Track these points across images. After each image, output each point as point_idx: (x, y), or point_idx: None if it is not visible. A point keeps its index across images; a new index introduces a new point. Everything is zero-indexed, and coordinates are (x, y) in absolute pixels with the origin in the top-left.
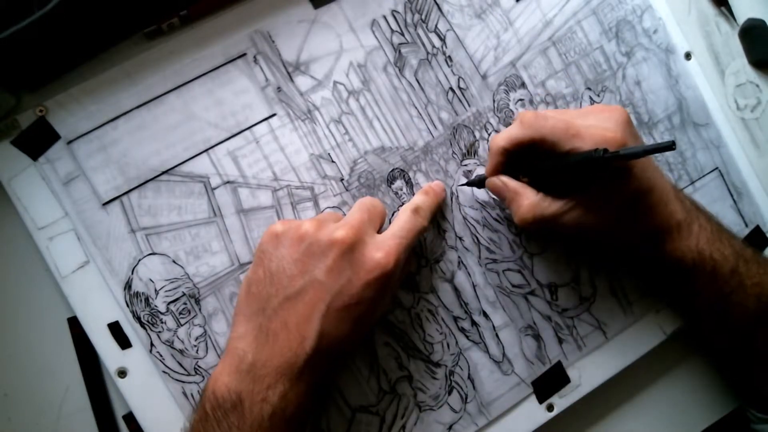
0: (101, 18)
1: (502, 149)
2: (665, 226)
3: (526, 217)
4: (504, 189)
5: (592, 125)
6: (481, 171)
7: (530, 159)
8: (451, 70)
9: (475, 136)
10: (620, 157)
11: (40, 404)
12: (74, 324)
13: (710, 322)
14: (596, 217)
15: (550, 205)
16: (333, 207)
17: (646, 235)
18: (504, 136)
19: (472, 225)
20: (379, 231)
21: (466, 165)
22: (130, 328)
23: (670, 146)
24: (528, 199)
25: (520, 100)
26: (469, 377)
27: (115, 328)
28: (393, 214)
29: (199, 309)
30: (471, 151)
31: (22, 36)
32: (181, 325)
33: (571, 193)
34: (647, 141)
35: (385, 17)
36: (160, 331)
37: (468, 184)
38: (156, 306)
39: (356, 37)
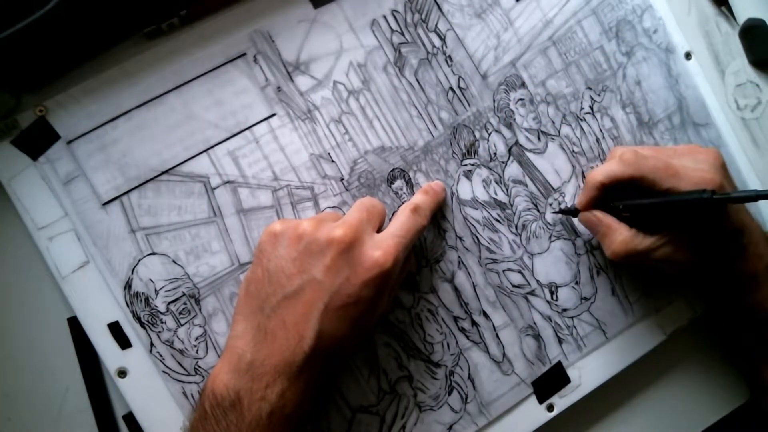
0: (101, 18)
1: (600, 184)
2: (752, 269)
3: (618, 252)
4: (598, 223)
5: (689, 166)
6: (482, 171)
7: (623, 194)
8: (451, 70)
9: (475, 136)
10: (731, 199)
11: (40, 404)
12: (74, 324)
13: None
14: (687, 253)
15: (643, 241)
16: (333, 207)
17: (733, 276)
18: (603, 172)
19: (473, 225)
20: (379, 230)
21: (466, 165)
22: (130, 328)
23: None
24: (621, 235)
25: (521, 99)
26: (469, 377)
27: (115, 328)
28: (393, 214)
29: (199, 309)
30: (471, 151)
31: (22, 36)
32: (181, 325)
33: (661, 228)
34: (648, 142)
35: (385, 17)
36: (160, 331)
37: (561, 212)
38: (156, 306)
39: (356, 37)
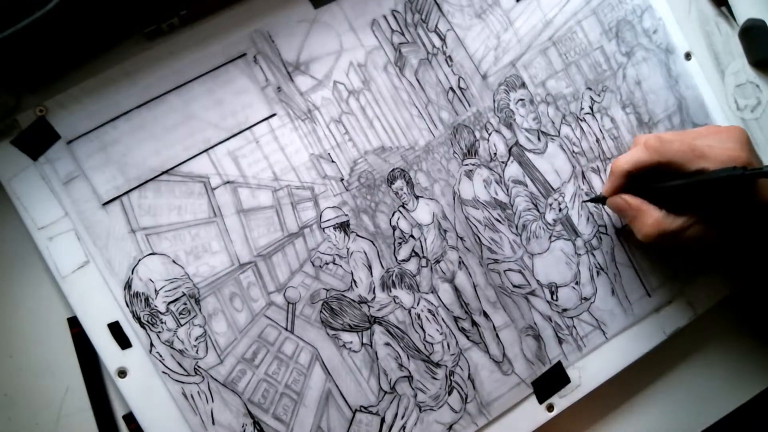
0: (101, 18)
1: (626, 172)
2: None
3: (650, 233)
4: (627, 207)
5: (715, 146)
6: (483, 171)
7: (649, 180)
8: (452, 70)
9: (475, 136)
10: (763, 174)
11: (40, 404)
12: (74, 324)
13: None
14: (719, 231)
15: (674, 221)
16: (333, 207)
17: (766, 250)
18: (628, 160)
19: (474, 225)
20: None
21: (467, 165)
22: (130, 328)
23: None
24: (652, 217)
25: (521, 100)
26: (469, 377)
27: (115, 328)
28: (393, 214)
29: (199, 309)
30: (472, 151)
31: (22, 36)
32: (181, 325)
33: (689, 209)
34: None
35: (385, 17)
36: (159, 332)
37: (590, 200)
38: (156, 306)
39: (356, 37)
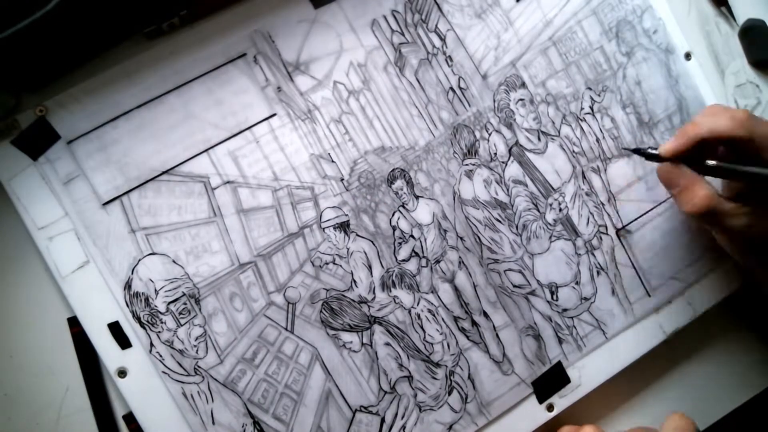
0: (101, 18)
1: (700, 138)
2: None
3: (700, 206)
4: (680, 175)
5: None
6: (483, 171)
7: (708, 155)
8: (452, 70)
9: (475, 136)
10: None
11: (40, 404)
12: (74, 324)
13: None
14: (765, 229)
15: (725, 203)
16: (333, 207)
17: None
18: (709, 126)
19: (474, 225)
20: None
21: (467, 165)
22: (130, 328)
23: None
24: (704, 190)
25: (521, 99)
26: (469, 377)
27: (115, 328)
28: (393, 214)
29: (199, 309)
30: (472, 151)
31: (22, 36)
32: (181, 325)
33: (743, 197)
34: (648, 142)
35: (385, 17)
36: (159, 331)
37: (638, 151)
38: (156, 306)
39: (356, 37)
